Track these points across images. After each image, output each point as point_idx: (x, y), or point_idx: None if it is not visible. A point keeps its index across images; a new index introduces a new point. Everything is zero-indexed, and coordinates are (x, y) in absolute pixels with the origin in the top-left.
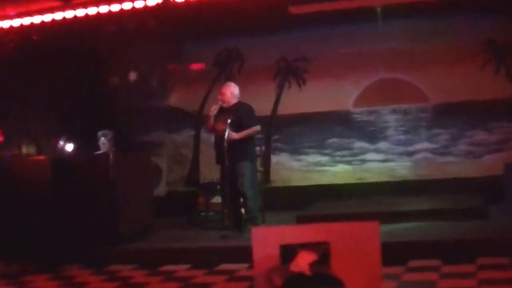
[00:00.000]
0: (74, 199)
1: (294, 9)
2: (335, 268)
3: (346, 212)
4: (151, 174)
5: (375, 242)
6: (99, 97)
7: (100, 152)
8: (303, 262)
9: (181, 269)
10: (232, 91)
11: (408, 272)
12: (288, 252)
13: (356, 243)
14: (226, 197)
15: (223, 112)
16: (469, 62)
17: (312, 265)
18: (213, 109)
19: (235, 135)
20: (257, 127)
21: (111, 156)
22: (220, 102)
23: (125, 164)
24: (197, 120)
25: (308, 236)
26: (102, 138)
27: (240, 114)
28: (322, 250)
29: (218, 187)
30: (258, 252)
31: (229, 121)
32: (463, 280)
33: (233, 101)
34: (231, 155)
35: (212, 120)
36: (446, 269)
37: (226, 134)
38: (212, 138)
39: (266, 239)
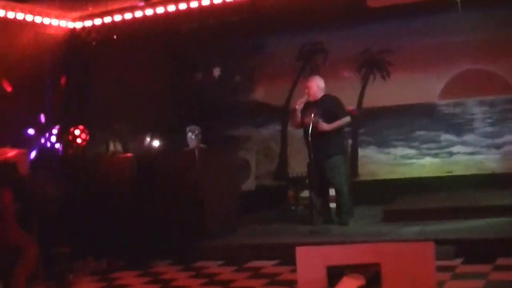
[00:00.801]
0: (161, 196)
1: (371, 3)
2: None
3: (434, 206)
4: (239, 169)
5: (430, 265)
6: (185, 93)
7: (188, 148)
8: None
9: (268, 265)
10: (318, 84)
11: (496, 270)
12: (335, 274)
13: (409, 266)
14: (315, 191)
15: (310, 106)
16: None
17: None
18: (299, 103)
19: (326, 126)
20: (348, 118)
21: (196, 152)
22: (306, 96)
23: (211, 160)
24: (283, 114)
25: (356, 256)
26: (190, 134)
27: (327, 107)
28: (372, 273)
29: (307, 181)
30: (303, 273)
31: (312, 114)
32: None
33: (319, 94)
34: (323, 148)
35: (299, 114)
36: None
37: (310, 128)
38: (300, 131)
39: (312, 259)
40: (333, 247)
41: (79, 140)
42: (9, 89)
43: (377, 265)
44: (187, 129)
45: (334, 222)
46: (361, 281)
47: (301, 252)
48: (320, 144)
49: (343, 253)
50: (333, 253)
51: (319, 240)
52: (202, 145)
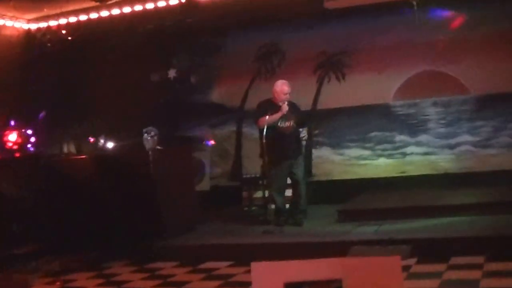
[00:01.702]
0: (117, 196)
1: (328, 4)
2: None
3: (388, 206)
4: (194, 169)
5: (397, 280)
6: (141, 93)
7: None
8: None
9: (223, 266)
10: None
11: (451, 269)
12: None
13: (374, 282)
14: (280, 191)
15: (275, 108)
16: (510, 51)
17: None
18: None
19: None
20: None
21: (150, 153)
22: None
23: (166, 161)
24: (239, 115)
25: (317, 272)
26: (146, 135)
27: (295, 111)
28: None
29: (260, 182)
30: None
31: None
32: (508, 279)
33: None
34: (292, 148)
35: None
36: (490, 266)
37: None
38: (254, 133)
39: (269, 275)
40: (291, 262)
41: (30, 144)
42: None
43: (339, 281)
44: (144, 130)
45: (289, 222)
46: None
47: (256, 268)
48: (290, 144)
49: (302, 268)
50: (291, 269)
51: (273, 240)
52: (158, 147)
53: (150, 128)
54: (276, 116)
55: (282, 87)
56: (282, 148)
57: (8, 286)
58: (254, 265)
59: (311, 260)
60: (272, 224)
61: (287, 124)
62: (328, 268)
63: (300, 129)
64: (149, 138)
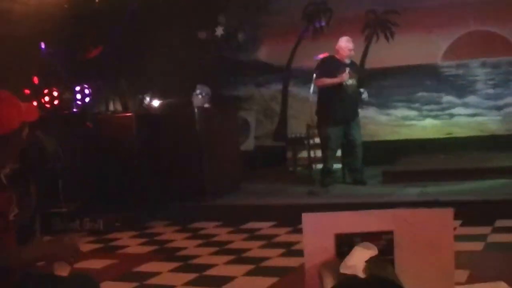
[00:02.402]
0: (160, 155)
1: None
2: (399, 263)
3: (434, 168)
4: (239, 129)
5: (449, 233)
6: (188, 51)
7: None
8: (358, 260)
9: (265, 226)
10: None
11: (495, 232)
12: (345, 243)
13: (426, 234)
14: (335, 152)
15: (341, 64)
16: None
17: (369, 262)
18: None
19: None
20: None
21: (196, 111)
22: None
23: (211, 119)
24: (285, 74)
25: (368, 224)
26: (198, 92)
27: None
28: (385, 241)
29: (305, 142)
30: (310, 242)
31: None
32: None
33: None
34: (354, 108)
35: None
36: None
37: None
38: (301, 92)
39: (319, 226)
40: (342, 214)
41: (79, 96)
42: None
43: (390, 233)
44: (197, 87)
45: (351, 182)
46: (373, 250)
47: (307, 219)
48: (350, 105)
49: (353, 220)
50: (342, 220)
51: (318, 201)
52: (206, 105)
53: (200, 85)
54: (335, 81)
55: (347, 43)
56: (342, 108)
57: (59, 247)
58: (305, 216)
59: (362, 211)
60: (317, 185)
61: (349, 83)
62: (379, 219)
63: (361, 90)
64: (199, 96)
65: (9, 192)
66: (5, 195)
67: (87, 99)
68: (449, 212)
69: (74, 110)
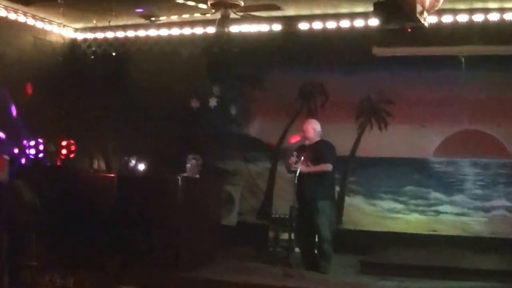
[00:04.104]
0: (138, 219)
1: (377, 51)
2: None
3: (413, 263)
4: (222, 203)
5: None
6: (178, 119)
7: (185, 175)
8: None
9: None
10: (314, 128)
11: None
12: None
13: None
14: (300, 234)
15: (304, 149)
16: None
17: None
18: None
19: (304, 169)
20: (327, 166)
21: (179, 180)
22: (302, 139)
23: (194, 190)
24: (275, 152)
25: None
26: (193, 161)
27: (319, 151)
28: None
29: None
30: None
31: (302, 158)
32: None
33: (315, 138)
34: (310, 192)
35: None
36: None
37: (298, 171)
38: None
39: None
40: None
41: (64, 151)
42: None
43: None
44: (190, 156)
45: (317, 266)
46: None
47: None
48: (308, 187)
49: None
50: None
51: (292, 285)
52: (197, 175)
53: (197, 155)
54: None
55: (304, 125)
56: (299, 190)
57: None
58: None
59: None
60: (293, 268)
61: (304, 165)
62: None
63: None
64: (191, 165)
65: None
66: None
67: (71, 155)
68: None
69: (58, 163)
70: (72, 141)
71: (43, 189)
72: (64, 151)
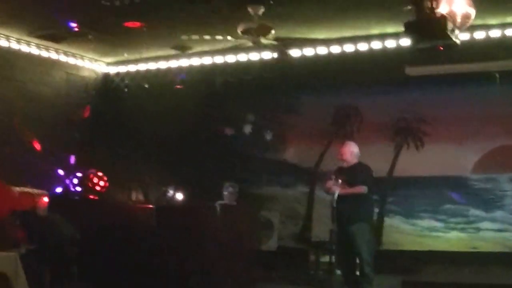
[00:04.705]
0: (178, 248)
1: (410, 71)
2: None
3: (455, 281)
4: (260, 228)
5: None
6: (214, 147)
7: (222, 202)
8: None
9: None
10: (351, 151)
11: None
12: None
13: None
14: (340, 256)
15: (342, 172)
16: None
17: None
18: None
19: (341, 191)
20: (361, 188)
21: (218, 208)
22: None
23: (233, 216)
24: (312, 176)
25: None
26: (230, 189)
27: (355, 174)
28: None
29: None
30: None
31: (339, 181)
32: None
33: (353, 160)
34: (348, 214)
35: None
36: None
37: (336, 194)
38: (327, 197)
39: None
40: None
41: (98, 187)
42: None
43: None
44: (227, 184)
45: None
46: None
47: None
48: (346, 209)
49: None
50: None
51: None
52: (233, 202)
53: (231, 182)
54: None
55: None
56: (337, 213)
57: None
58: None
59: None
60: None
61: (341, 187)
62: None
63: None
64: (228, 192)
65: None
66: None
67: (103, 188)
68: None
69: (93, 196)
70: (102, 174)
71: (82, 222)
72: (98, 187)
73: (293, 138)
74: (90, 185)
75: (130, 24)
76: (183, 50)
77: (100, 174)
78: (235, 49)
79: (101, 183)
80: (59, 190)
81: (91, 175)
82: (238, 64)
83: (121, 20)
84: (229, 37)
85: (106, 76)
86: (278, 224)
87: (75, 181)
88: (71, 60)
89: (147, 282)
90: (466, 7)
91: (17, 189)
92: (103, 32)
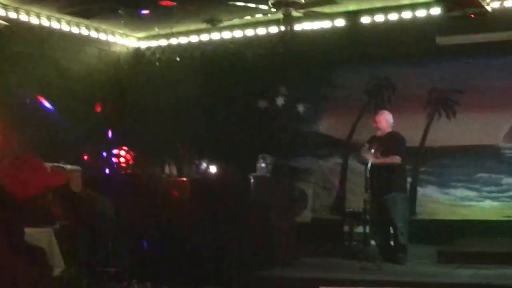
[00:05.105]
0: (212, 222)
1: (441, 40)
2: None
3: (490, 250)
4: (295, 200)
5: None
6: (247, 120)
7: (256, 174)
8: None
9: None
10: (386, 119)
11: None
12: None
13: None
14: (374, 226)
15: (376, 141)
16: None
17: None
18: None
19: (374, 161)
20: (395, 159)
21: (252, 180)
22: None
23: (267, 189)
24: (345, 147)
25: None
26: (264, 161)
27: (390, 143)
28: None
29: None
30: None
31: (372, 151)
32: None
33: (387, 129)
34: (381, 184)
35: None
36: None
37: (369, 163)
38: (360, 166)
39: None
40: None
41: (131, 163)
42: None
43: None
44: (260, 156)
45: (389, 259)
46: None
47: None
48: (380, 180)
49: None
50: None
51: (371, 278)
52: (268, 175)
53: (266, 155)
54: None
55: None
56: (371, 183)
57: None
58: None
59: None
60: (370, 261)
61: (374, 157)
62: None
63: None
64: (262, 165)
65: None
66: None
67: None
68: None
69: (128, 171)
70: (134, 150)
71: (116, 198)
72: (130, 160)
73: (326, 110)
74: (123, 161)
75: (164, 2)
76: (213, 24)
77: (131, 150)
78: (266, 22)
79: (134, 158)
80: (94, 166)
81: (124, 151)
82: (269, 37)
83: None
84: (261, 6)
85: (138, 51)
86: (312, 195)
87: (110, 156)
88: (102, 36)
89: (182, 256)
90: None
91: (50, 164)
92: (134, 7)
